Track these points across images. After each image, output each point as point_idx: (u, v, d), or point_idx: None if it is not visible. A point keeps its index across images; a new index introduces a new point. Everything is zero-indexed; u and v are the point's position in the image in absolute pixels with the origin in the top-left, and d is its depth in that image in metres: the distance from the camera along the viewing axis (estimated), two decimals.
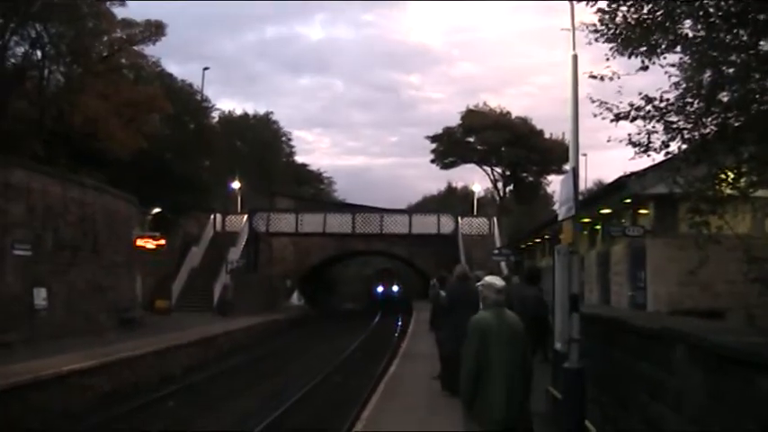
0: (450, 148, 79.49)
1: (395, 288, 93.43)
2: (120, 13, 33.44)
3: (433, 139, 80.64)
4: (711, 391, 5.66)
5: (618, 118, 10.38)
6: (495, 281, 7.97)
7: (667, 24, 9.67)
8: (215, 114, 56.56)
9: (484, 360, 7.48)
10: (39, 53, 29.90)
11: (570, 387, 8.81)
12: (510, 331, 7.67)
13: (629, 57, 10.16)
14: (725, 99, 9.47)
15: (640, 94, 10.13)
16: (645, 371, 7.58)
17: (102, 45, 33.20)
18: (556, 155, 70.86)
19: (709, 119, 9.70)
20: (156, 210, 38.46)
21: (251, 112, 76.75)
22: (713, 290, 17.14)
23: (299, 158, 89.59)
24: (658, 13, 9.69)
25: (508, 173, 79.58)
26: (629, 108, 10.22)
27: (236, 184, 56.33)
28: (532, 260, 38.20)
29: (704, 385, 5.83)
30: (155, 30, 34.32)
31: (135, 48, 34.53)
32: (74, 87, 30.32)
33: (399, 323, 45.59)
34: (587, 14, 10.26)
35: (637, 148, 10.46)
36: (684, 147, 10.13)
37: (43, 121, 29.02)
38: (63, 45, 30.01)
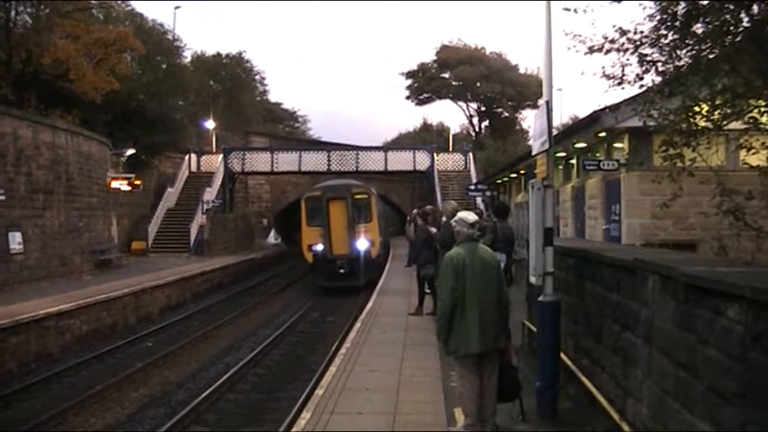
0: (424, 83, 79.00)
1: (362, 243, 32.90)
2: None
3: (408, 75, 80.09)
4: (682, 322, 5.73)
5: (592, 50, 10.31)
6: (468, 215, 7.99)
7: None
8: (187, 54, 55.66)
9: (459, 295, 7.54)
10: None
11: (545, 320, 8.90)
12: (483, 265, 7.71)
13: None
14: (699, 31, 9.42)
15: (614, 26, 10.08)
16: (617, 302, 7.65)
17: None
18: (531, 90, 70.56)
19: (684, 51, 9.66)
20: (131, 151, 37.99)
21: (223, 51, 75.52)
22: (686, 222, 17.26)
23: (272, 97, 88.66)
24: None
25: (483, 108, 79.29)
26: (603, 41, 10.16)
27: (210, 124, 55.70)
28: (508, 195, 38.22)
29: (675, 315, 5.90)
30: None
31: None
32: (42, 28, 29.66)
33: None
34: None
35: (611, 81, 10.43)
36: (658, 79, 10.11)
37: (11, 64, 28.44)
38: None
